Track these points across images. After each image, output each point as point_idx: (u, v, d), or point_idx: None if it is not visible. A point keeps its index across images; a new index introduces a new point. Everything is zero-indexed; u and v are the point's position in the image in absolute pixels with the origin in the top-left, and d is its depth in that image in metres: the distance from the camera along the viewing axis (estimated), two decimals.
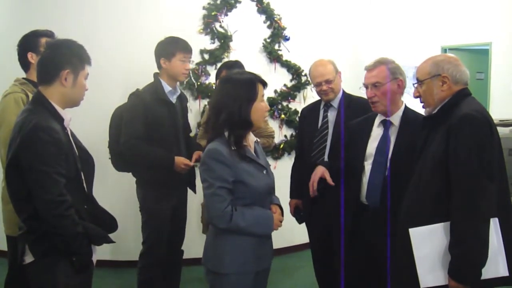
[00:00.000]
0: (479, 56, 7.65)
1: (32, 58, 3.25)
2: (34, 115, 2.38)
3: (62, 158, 2.38)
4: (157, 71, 3.86)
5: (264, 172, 2.64)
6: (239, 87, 2.53)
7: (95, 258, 2.60)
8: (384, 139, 3.08)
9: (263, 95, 2.58)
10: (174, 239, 4.00)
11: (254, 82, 2.55)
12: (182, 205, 4.07)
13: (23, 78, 3.27)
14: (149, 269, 3.85)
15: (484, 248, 2.31)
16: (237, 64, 4.16)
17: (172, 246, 3.99)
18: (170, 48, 3.80)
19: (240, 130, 2.52)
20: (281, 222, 2.68)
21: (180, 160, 3.74)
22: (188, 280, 4.70)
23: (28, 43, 3.27)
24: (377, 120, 3.16)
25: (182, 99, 4.03)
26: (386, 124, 3.10)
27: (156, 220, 3.82)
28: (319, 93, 3.74)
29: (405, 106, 3.15)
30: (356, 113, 3.45)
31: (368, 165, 3.09)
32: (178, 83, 3.98)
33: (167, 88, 3.82)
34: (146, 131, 3.68)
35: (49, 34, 3.26)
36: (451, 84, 2.52)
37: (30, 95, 3.09)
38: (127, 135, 3.69)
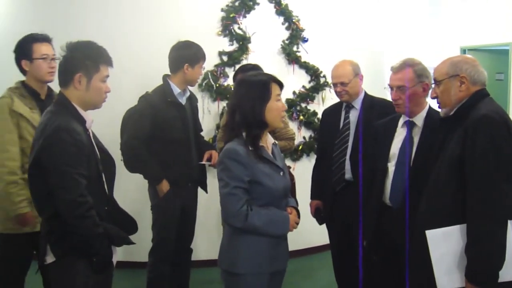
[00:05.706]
0: (499, 56, 7.60)
1: (27, 65, 3.19)
2: (57, 117, 2.42)
3: (83, 159, 2.42)
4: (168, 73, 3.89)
5: (281, 173, 2.64)
6: (252, 87, 2.55)
7: (115, 259, 2.63)
8: (407, 140, 3.06)
9: (278, 94, 2.59)
10: (183, 238, 4.00)
11: (268, 82, 2.57)
12: (192, 204, 4.08)
13: (21, 82, 3.26)
14: (158, 265, 3.87)
15: (501, 250, 2.29)
16: (254, 68, 4.12)
17: (181, 244, 4.00)
18: (197, 55, 3.85)
19: (255, 130, 2.54)
20: (297, 224, 2.68)
21: (165, 187, 3.78)
22: (206, 281, 4.73)
23: (21, 50, 3.21)
24: (401, 121, 3.14)
25: (192, 99, 4.06)
26: (409, 125, 3.09)
27: (165, 217, 3.85)
28: (336, 93, 3.77)
29: (429, 106, 3.12)
30: (379, 114, 3.44)
31: (391, 166, 3.07)
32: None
33: (176, 90, 3.84)
34: (152, 133, 3.71)
35: (39, 39, 3.21)
36: (469, 84, 2.51)
37: (15, 99, 3.14)
38: (129, 135, 3.73)
